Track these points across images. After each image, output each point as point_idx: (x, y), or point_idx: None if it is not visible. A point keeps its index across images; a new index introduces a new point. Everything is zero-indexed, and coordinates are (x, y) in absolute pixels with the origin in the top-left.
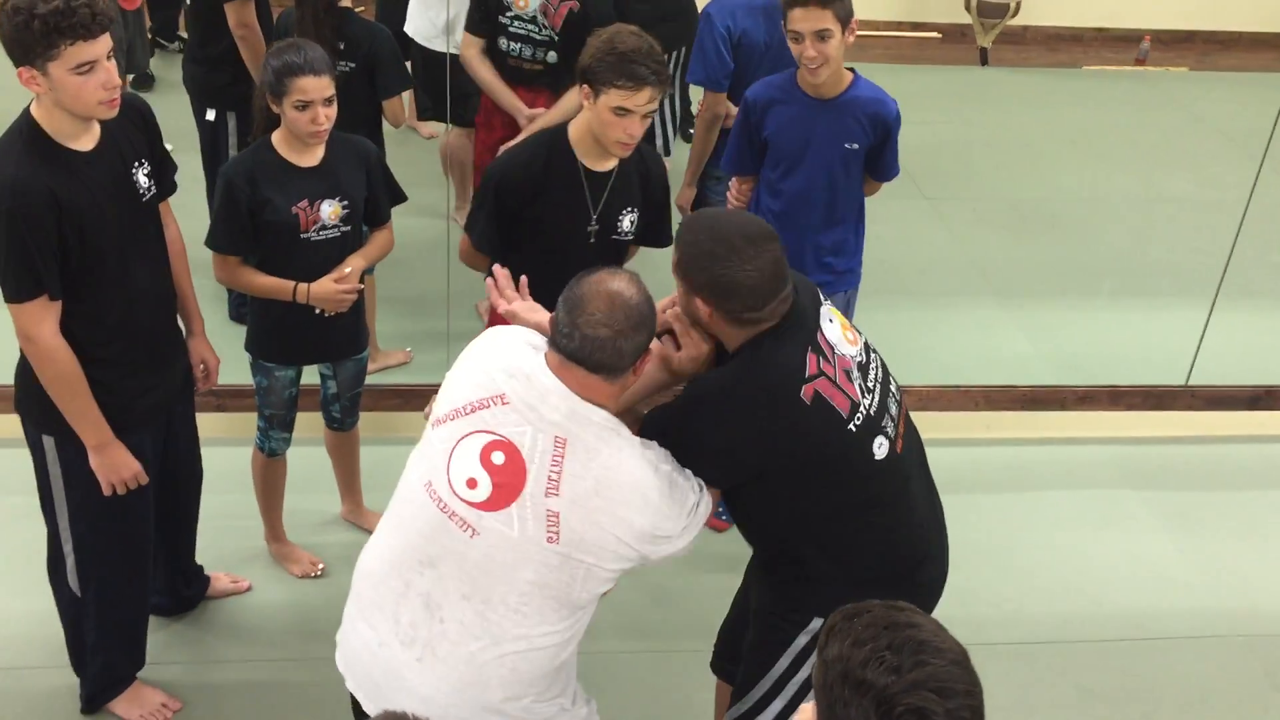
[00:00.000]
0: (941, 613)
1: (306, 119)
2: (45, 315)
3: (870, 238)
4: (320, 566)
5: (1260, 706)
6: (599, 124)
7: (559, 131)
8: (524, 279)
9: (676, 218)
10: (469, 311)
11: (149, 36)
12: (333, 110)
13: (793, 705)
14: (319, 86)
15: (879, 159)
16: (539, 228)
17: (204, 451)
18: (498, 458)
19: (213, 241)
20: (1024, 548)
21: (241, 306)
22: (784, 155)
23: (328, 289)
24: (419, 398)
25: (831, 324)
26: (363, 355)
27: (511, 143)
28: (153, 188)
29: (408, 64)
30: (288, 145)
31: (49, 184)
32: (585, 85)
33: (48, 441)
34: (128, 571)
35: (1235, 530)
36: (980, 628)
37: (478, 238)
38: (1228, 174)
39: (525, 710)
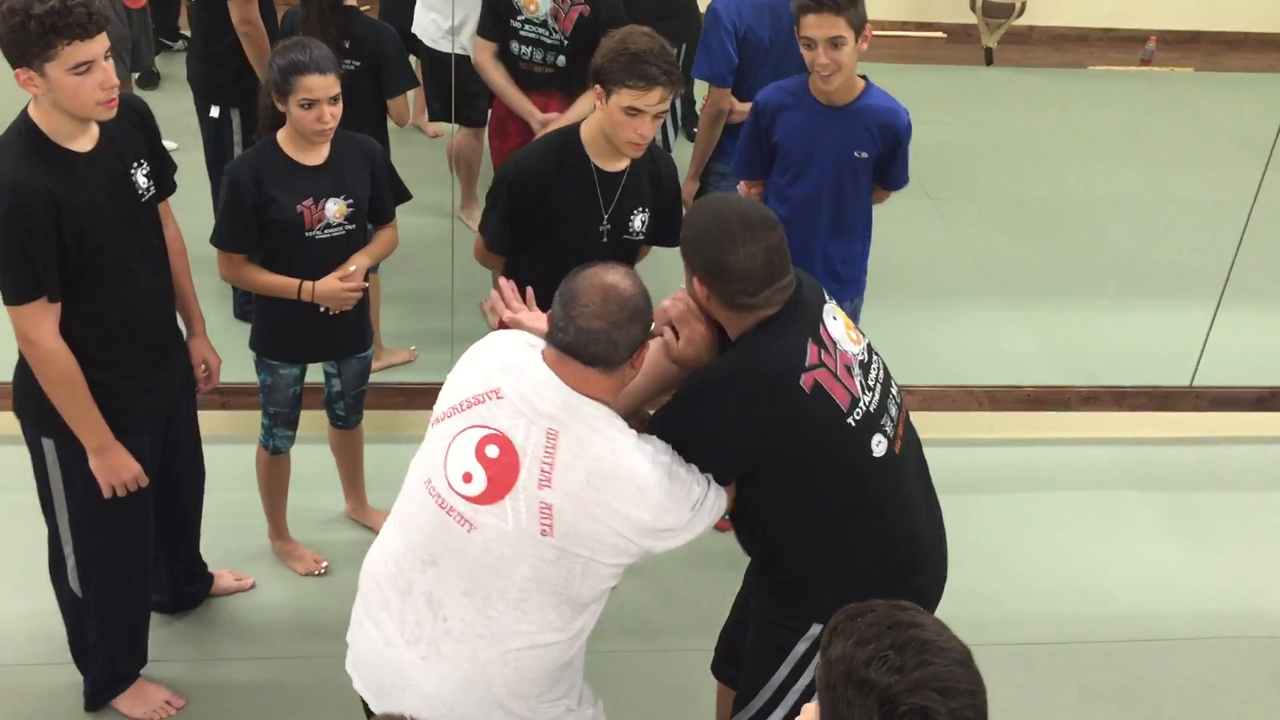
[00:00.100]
0: (944, 613)
1: (312, 117)
2: (44, 317)
3: (874, 237)
4: (324, 564)
5: (1264, 708)
6: (611, 124)
7: (571, 132)
8: (530, 290)
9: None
10: (473, 310)
11: (151, 36)
12: (338, 109)
13: (795, 712)
14: (324, 85)
15: (888, 168)
16: (551, 228)
17: (208, 449)
18: (492, 451)
19: (218, 239)
20: (1027, 548)
21: (246, 304)
22: (792, 161)
23: (332, 287)
24: (423, 396)
25: (835, 321)
26: (367, 353)
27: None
28: (152, 188)
29: (416, 64)
30: (293, 143)
31: (48, 185)
32: (597, 85)
33: (47, 444)
34: (128, 572)
35: (1240, 532)
36: (983, 628)
37: (490, 237)
38: (1233, 174)
39: (530, 709)
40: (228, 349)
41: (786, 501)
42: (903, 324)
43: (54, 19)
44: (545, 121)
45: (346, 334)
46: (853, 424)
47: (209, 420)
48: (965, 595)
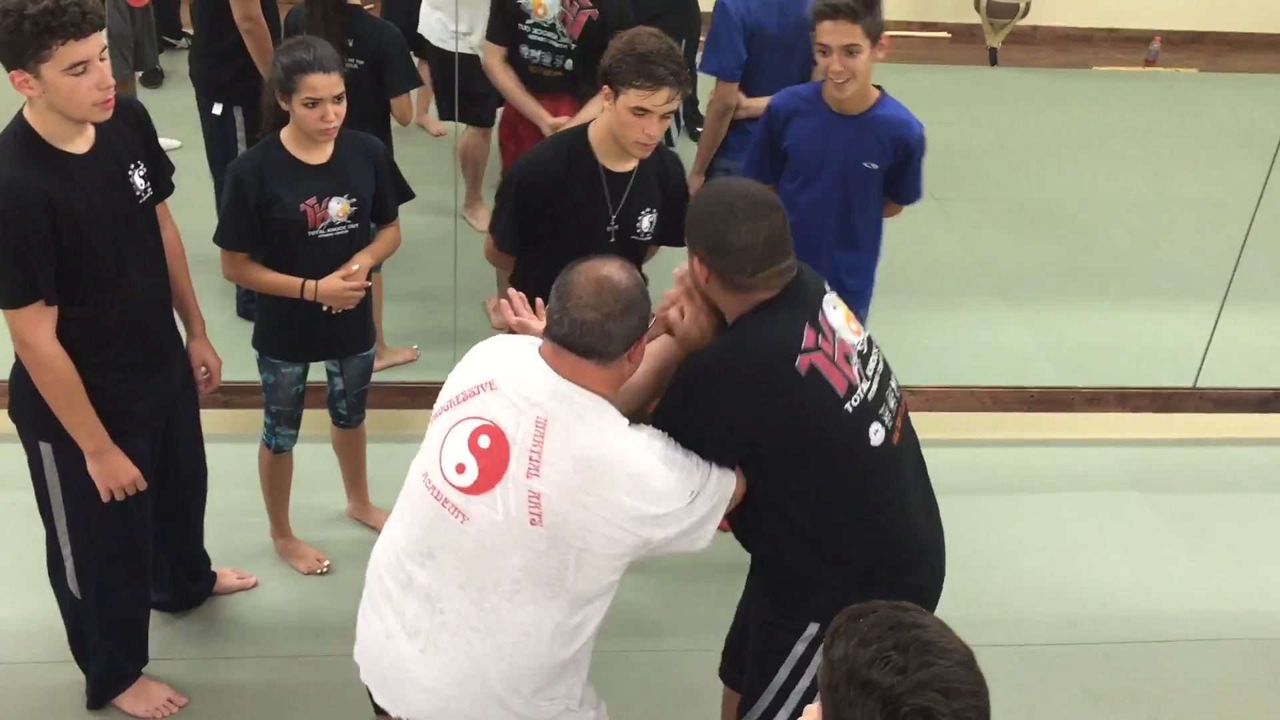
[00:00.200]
0: (946, 613)
1: (316, 116)
2: (41, 320)
3: None
4: (326, 563)
5: (1265, 709)
6: (619, 124)
7: (580, 133)
8: (540, 301)
9: None
10: (476, 309)
11: (154, 35)
12: (342, 108)
13: (798, 714)
14: (328, 84)
15: (899, 181)
16: (559, 227)
17: (210, 448)
18: (484, 441)
19: (221, 238)
20: (1030, 549)
21: (249, 303)
22: (801, 168)
23: (335, 286)
24: (425, 395)
25: (835, 310)
26: (369, 352)
27: None
28: (149, 189)
29: (424, 64)
30: (296, 142)
31: (44, 187)
32: (605, 86)
33: (45, 448)
34: (127, 573)
35: (1242, 533)
36: (985, 629)
37: (500, 237)
38: (1237, 175)
39: (527, 705)
40: (231, 348)
41: (783, 492)
42: (906, 324)
43: (48, 19)
44: (555, 125)
45: (349, 333)
46: (849, 411)
47: (211, 419)
48: (967, 596)
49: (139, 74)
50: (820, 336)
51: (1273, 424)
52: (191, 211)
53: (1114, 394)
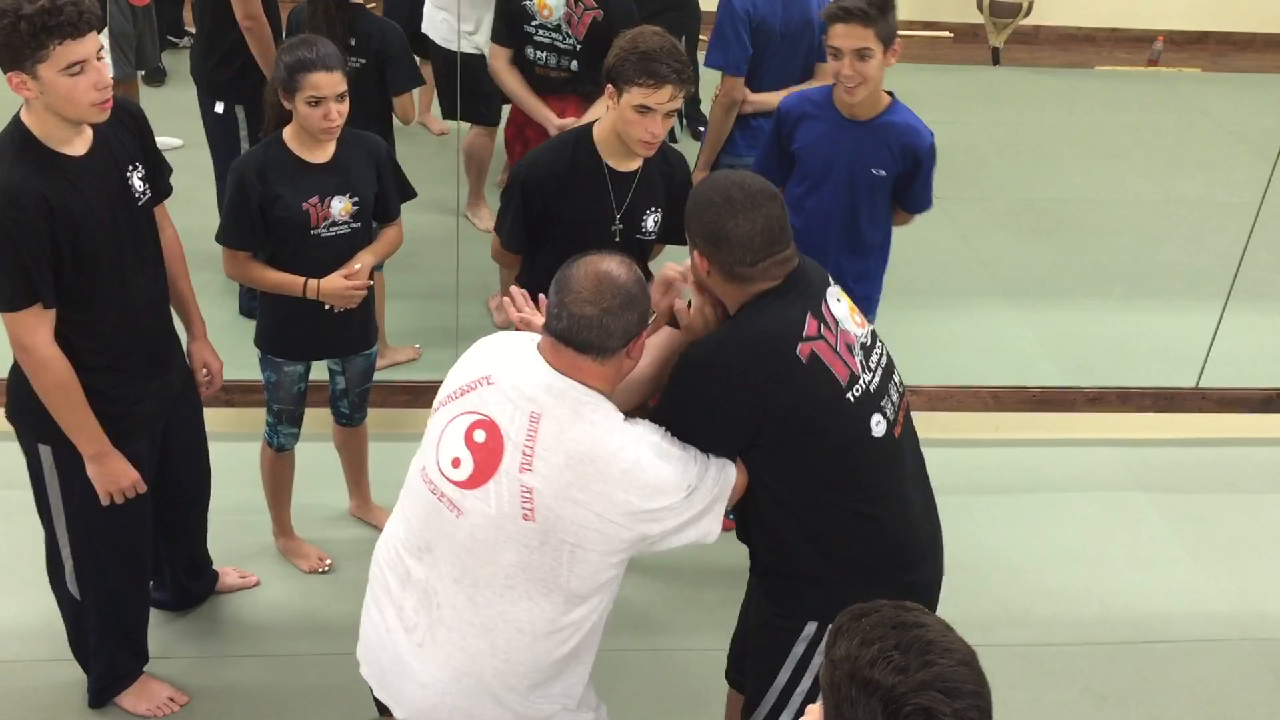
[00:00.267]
0: (948, 613)
1: (319, 115)
2: (39, 323)
3: None
4: (328, 562)
5: (1267, 711)
6: (622, 123)
7: (584, 132)
8: (543, 296)
9: None
10: (478, 308)
11: (156, 34)
12: (345, 106)
13: (801, 714)
14: (331, 82)
15: (908, 189)
16: (564, 226)
17: (212, 446)
18: (479, 436)
19: (223, 237)
20: (1032, 549)
21: (252, 301)
22: (809, 172)
23: (337, 285)
24: (427, 394)
25: (839, 302)
26: (371, 351)
27: None
28: (147, 191)
29: (428, 64)
30: (299, 141)
31: (41, 190)
32: (609, 85)
33: (44, 450)
34: (126, 575)
35: (1246, 533)
36: (988, 629)
37: (506, 237)
38: (1240, 175)
39: (523, 703)
40: (233, 346)
41: (783, 482)
42: (908, 324)
43: (44, 18)
44: (562, 127)
45: (351, 332)
46: (851, 400)
47: (213, 418)
48: (969, 595)
49: (141, 73)
50: (822, 326)
51: (1275, 424)
52: (194, 210)
53: (1116, 394)
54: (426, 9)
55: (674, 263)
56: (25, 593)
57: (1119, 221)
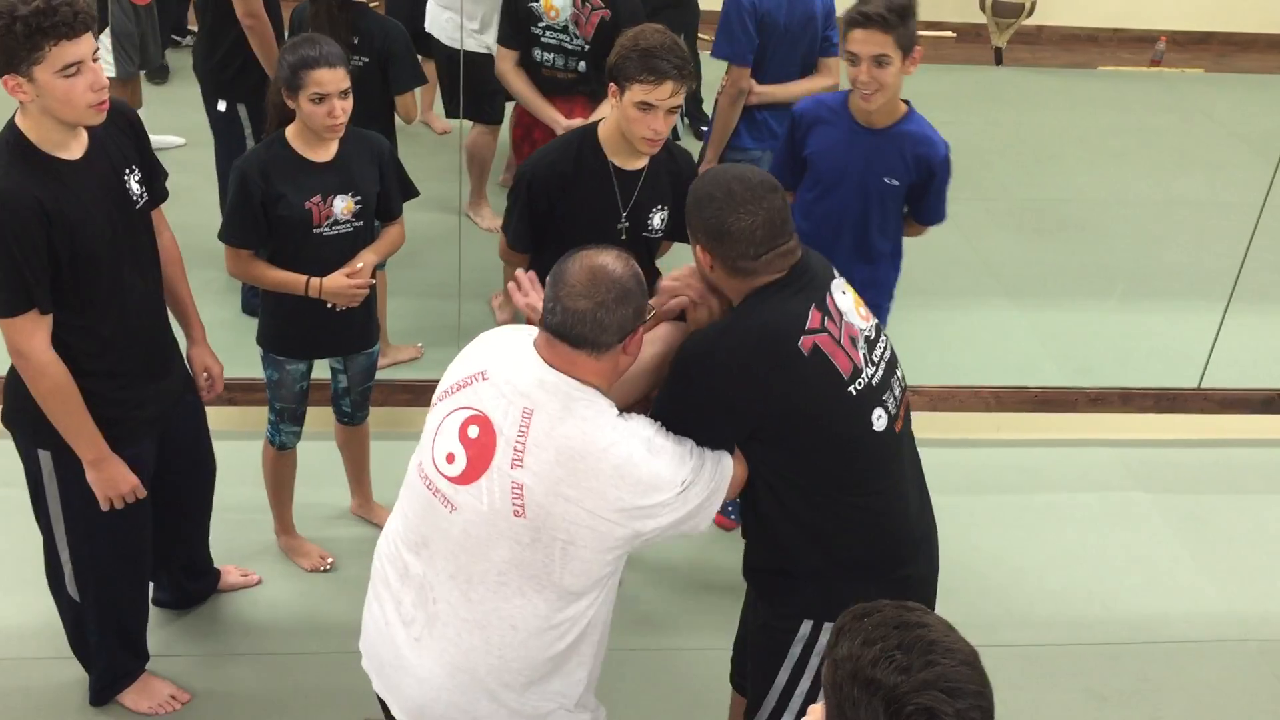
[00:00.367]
0: (949, 613)
1: (323, 112)
2: (36, 329)
3: None
4: (330, 560)
5: (1270, 712)
6: (625, 121)
7: (589, 131)
8: (550, 279)
9: None
10: (480, 306)
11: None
12: (349, 103)
13: (803, 715)
14: (334, 79)
15: (921, 200)
16: (570, 225)
17: (214, 444)
18: (473, 431)
19: (226, 235)
20: (1033, 550)
21: (254, 299)
22: (820, 178)
23: (340, 284)
24: (429, 393)
25: (844, 295)
26: (373, 350)
27: None
28: (144, 194)
29: (430, 63)
30: (302, 140)
31: (37, 195)
32: (611, 83)
33: (43, 456)
34: (125, 577)
35: (1247, 534)
36: (989, 629)
37: (512, 236)
38: (1243, 176)
39: (519, 700)
40: (235, 344)
41: (782, 474)
42: (910, 324)
43: (39, 19)
44: (569, 128)
45: (353, 330)
46: (853, 393)
47: (215, 416)
48: (970, 596)
49: (144, 71)
50: (826, 318)
51: (1277, 425)
52: (196, 208)
53: (1118, 394)
54: (430, 7)
55: (676, 271)
56: (26, 591)
57: (1121, 222)
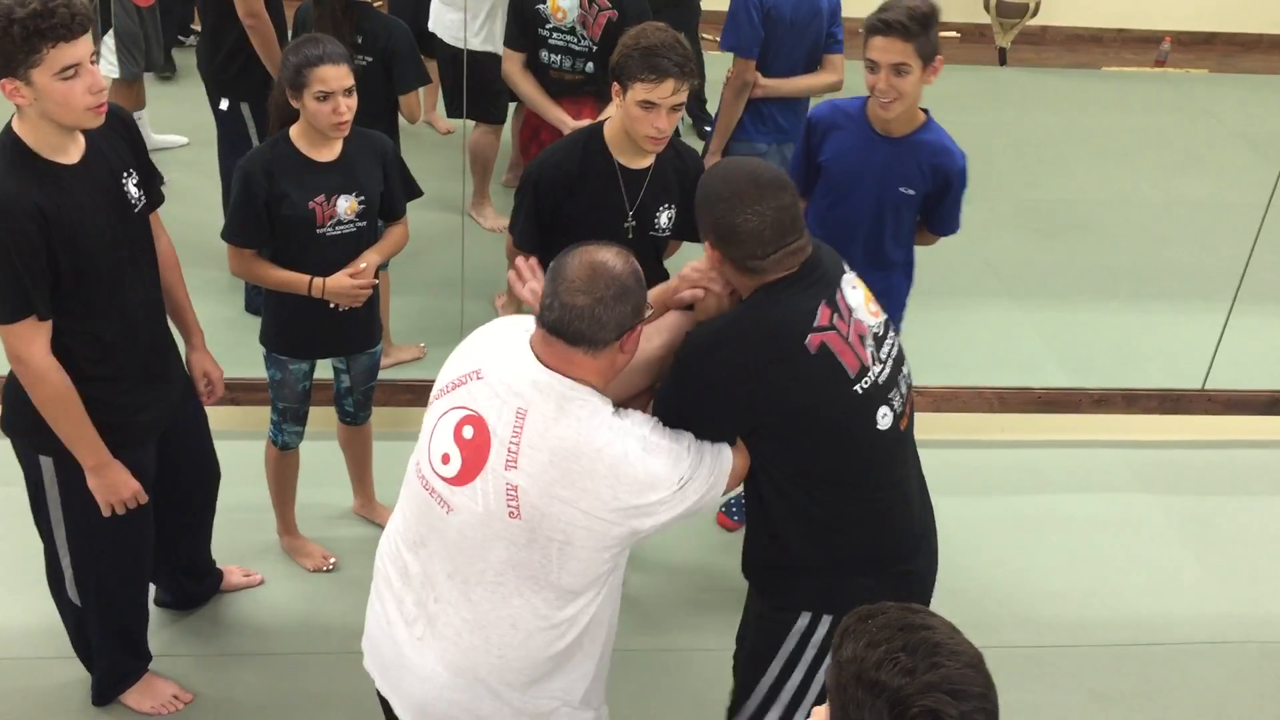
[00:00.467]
0: (953, 614)
1: (328, 110)
2: (35, 335)
3: None
4: (332, 560)
5: (1274, 714)
6: (629, 120)
7: (595, 130)
8: (549, 274)
9: None
10: (483, 306)
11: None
12: (353, 101)
13: (791, 712)
14: (338, 75)
15: (936, 210)
16: (576, 224)
17: (216, 445)
18: (468, 432)
19: (229, 234)
20: (1037, 551)
21: (258, 298)
22: (834, 185)
23: (343, 284)
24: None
25: (855, 290)
26: (376, 350)
27: None
28: (143, 198)
29: (433, 63)
30: (306, 140)
31: (36, 200)
32: (615, 83)
33: (45, 462)
34: (127, 583)
35: (1251, 536)
36: (993, 630)
37: (519, 236)
38: (1247, 177)
39: (521, 698)
40: (238, 344)
41: (785, 470)
42: (913, 324)
43: (37, 21)
44: (577, 129)
45: (356, 330)
46: (859, 392)
47: (218, 416)
48: (973, 597)
49: (149, 74)
50: (836, 315)
51: None
52: (200, 207)
53: (1122, 395)
54: (434, 6)
55: (699, 260)
56: (29, 591)
57: (1125, 222)
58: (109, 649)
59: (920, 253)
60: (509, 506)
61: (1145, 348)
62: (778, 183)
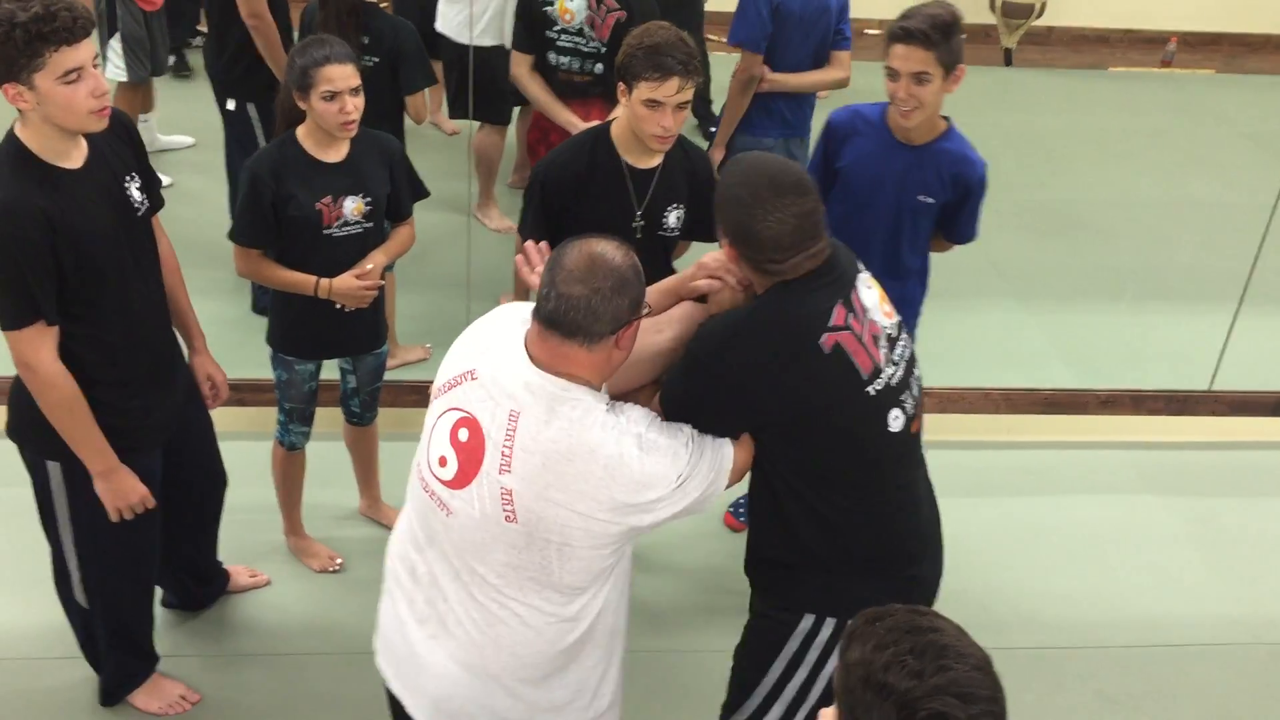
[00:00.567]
0: (960, 616)
1: (335, 109)
2: (43, 341)
3: None
4: (338, 561)
5: (1279, 717)
6: (635, 119)
7: (602, 130)
8: (547, 265)
9: None
10: (489, 306)
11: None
12: (360, 101)
13: (792, 711)
14: (344, 74)
15: (954, 219)
16: (585, 225)
17: (223, 445)
18: (463, 435)
19: (236, 235)
20: (1044, 552)
21: (265, 298)
22: (853, 192)
23: (349, 284)
24: None
25: (870, 290)
26: (382, 350)
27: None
28: (146, 201)
29: (438, 64)
30: (313, 140)
31: (41, 205)
32: (620, 83)
33: (52, 467)
34: (133, 586)
35: (1258, 537)
36: (1000, 632)
37: (527, 235)
38: (1254, 177)
39: (536, 692)
40: (244, 344)
41: (796, 470)
42: (919, 325)
43: (39, 25)
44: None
45: (362, 331)
46: (872, 393)
47: (224, 417)
48: (979, 598)
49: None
50: (851, 315)
51: None
52: (206, 207)
53: (1129, 396)
54: (441, 6)
55: (719, 251)
56: (37, 591)
57: (1131, 223)
58: (116, 651)
59: None
60: (505, 510)
61: (1152, 349)
62: (799, 187)
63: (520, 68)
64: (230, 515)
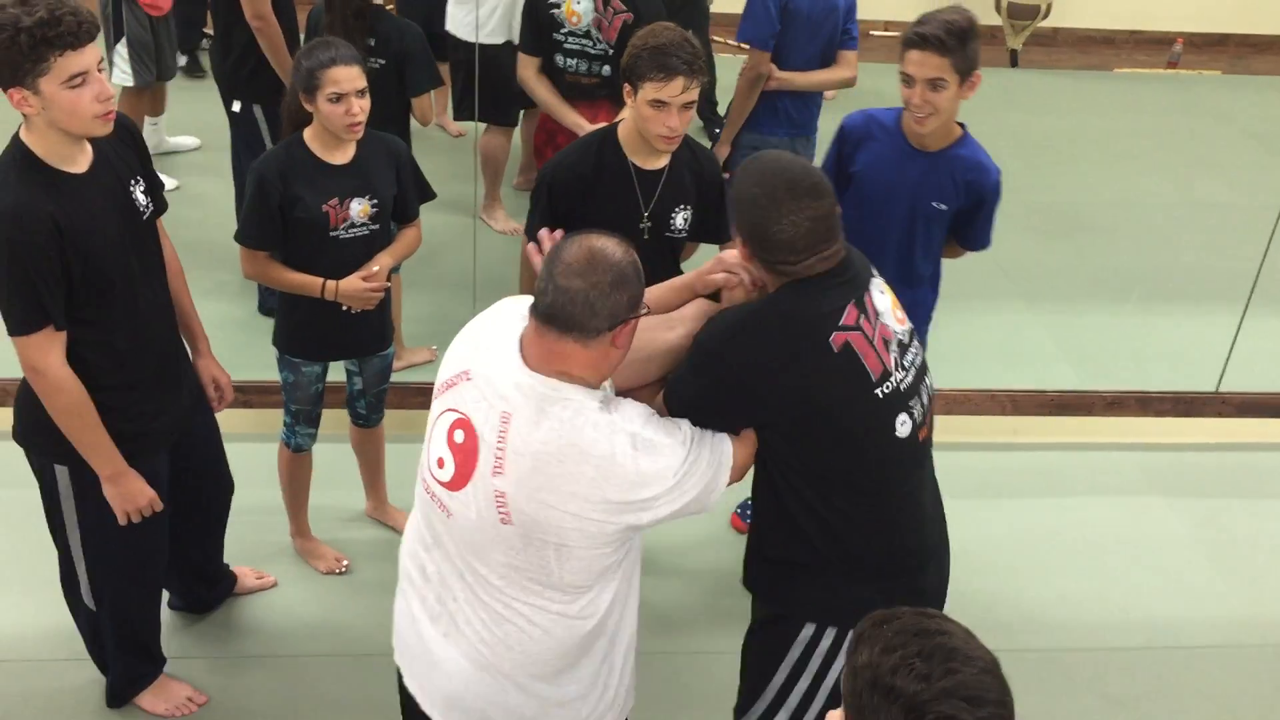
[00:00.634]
0: (967, 618)
1: (341, 111)
2: (51, 346)
3: None
4: (345, 563)
5: None
6: (640, 120)
7: (609, 132)
8: (546, 259)
9: None
10: None
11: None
12: (366, 102)
13: (800, 714)
14: (350, 76)
15: (968, 226)
16: (591, 226)
17: (229, 447)
18: (459, 436)
19: (242, 236)
20: (1051, 554)
21: (271, 300)
22: (866, 197)
23: (355, 286)
24: None
25: (882, 295)
26: (388, 352)
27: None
28: (150, 204)
29: (445, 66)
30: (319, 142)
31: (48, 210)
32: (626, 83)
33: (60, 471)
34: (141, 588)
35: (1265, 539)
36: (1006, 634)
37: (533, 237)
38: (1260, 178)
39: (549, 688)
40: (251, 345)
41: (801, 471)
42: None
43: (44, 30)
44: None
45: (368, 333)
46: (880, 396)
47: (230, 418)
48: (986, 600)
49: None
50: (863, 316)
51: None
52: (213, 209)
53: (1135, 398)
54: (450, 6)
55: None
56: (44, 593)
57: (1137, 224)
58: (124, 651)
59: None
60: (499, 513)
61: (1158, 350)
62: (815, 190)
63: (527, 70)
64: (236, 517)
